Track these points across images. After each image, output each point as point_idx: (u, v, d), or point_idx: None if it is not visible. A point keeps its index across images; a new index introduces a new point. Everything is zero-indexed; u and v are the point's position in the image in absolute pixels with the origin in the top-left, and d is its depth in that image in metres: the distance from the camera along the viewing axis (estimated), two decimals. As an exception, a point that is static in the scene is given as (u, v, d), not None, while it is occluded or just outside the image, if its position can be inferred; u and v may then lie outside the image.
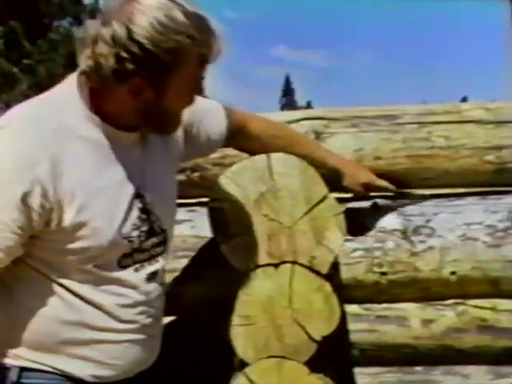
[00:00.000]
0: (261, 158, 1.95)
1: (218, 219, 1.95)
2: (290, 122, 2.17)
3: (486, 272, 2.11)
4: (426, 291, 2.13)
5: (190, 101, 1.66)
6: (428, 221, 2.14)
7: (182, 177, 2.07)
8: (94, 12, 18.71)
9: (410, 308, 2.15)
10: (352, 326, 2.13)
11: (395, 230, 2.13)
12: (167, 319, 1.91)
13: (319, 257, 1.92)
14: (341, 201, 2.04)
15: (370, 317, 2.15)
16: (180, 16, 1.53)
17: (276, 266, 1.92)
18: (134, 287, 1.69)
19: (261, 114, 2.11)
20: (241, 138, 1.98)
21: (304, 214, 1.93)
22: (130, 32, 1.51)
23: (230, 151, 2.05)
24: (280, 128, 2.09)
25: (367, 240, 2.13)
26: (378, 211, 2.16)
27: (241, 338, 1.91)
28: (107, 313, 1.67)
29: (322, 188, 1.94)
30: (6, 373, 1.65)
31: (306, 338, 1.92)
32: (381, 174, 2.13)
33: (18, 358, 1.66)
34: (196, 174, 2.14)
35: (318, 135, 2.18)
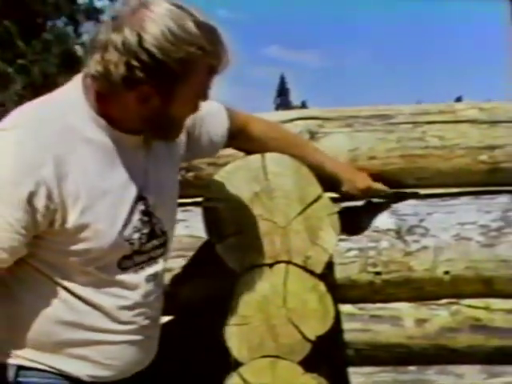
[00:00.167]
0: (255, 158, 1.96)
1: (212, 219, 1.95)
2: (285, 122, 2.17)
3: (479, 272, 2.12)
4: (420, 291, 2.14)
5: (195, 108, 1.67)
6: (422, 220, 2.15)
7: (176, 177, 2.06)
8: (88, 12, 18.71)
9: (403, 308, 2.15)
10: (346, 325, 2.14)
11: (389, 229, 2.14)
12: (163, 319, 1.91)
13: (313, 256, 1.93)
14: (335, 200, 2.04)
15: (364, 316, 2.15)
16: (192, 26, 1.53)
17: (270, 265, 1.92)
18: (133, 289, 1.70)
19: (255, 114, 2.11)
20: (241, 138, 1.98)
21: (298, 213, 1.93)
22: (140, 40, 1.50)
23: (224, 151, 2.05)
24: (279, 130, 2.09)
25: (361, 240, 2.13)
26: (372, 211, 2.16)
27: (235, 338, 1.91)
28: (106, 314, 1.67)
29: (316, 188, 1.94)
30: (3, 371, 1.66)
31: (300, 338, 1.92)
32: (375, 174, 2.14)
33: (15, 356, 1.66)
34: (191, 174, 2.14)
35: (313, 135, 2.18)
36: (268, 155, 1.95)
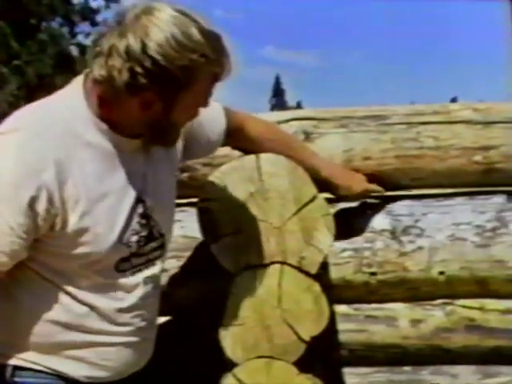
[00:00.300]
0: (250, 159, 1.96)
1: (207, 219, 1.95)
2: (280, 123, 2.17)
3: (474, 272, 2.12)
4: (415, 291, 2.14)
5: (195, 114, 1.67)
6: (417, 221, 2.15)
7: (171, 177, 2.06)
8: (83, 12, 18.68)
9: (398, 308, 2.15)
10: (341, 326, 2.13)
11: (384, 230, 2.14)
12: (158, 320, 1.91)
13: (308, 257, 1.93)
14: (330, 201, 2.04)
15: (359, 317, 2.15)
16: (196, 33, 1.53)
17: (265, 266, 1.92)
18: (130, 291, 1.70)
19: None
20: (237, 138, 1.98)
21: (293, 214, 1.93)
22: (144, 47, 1.50)
23: (219, 152, 2.05)
24: (276, 132, 2.08)
25: (356, 240, 2.13)
26: (367, 211, 2.16)
27: (230, 339, 1.91)
28: (103, 316, 1.68)
29: (311, 188, 1.94)
30: None
31: (295, 338, 1.92)
32: (370, 175, 2.14)
33: (12, 357, 1.66)
34: (185, 175, 2.13)
35: (308, 135, 2.17)
36: (263, 156, 1.95)
